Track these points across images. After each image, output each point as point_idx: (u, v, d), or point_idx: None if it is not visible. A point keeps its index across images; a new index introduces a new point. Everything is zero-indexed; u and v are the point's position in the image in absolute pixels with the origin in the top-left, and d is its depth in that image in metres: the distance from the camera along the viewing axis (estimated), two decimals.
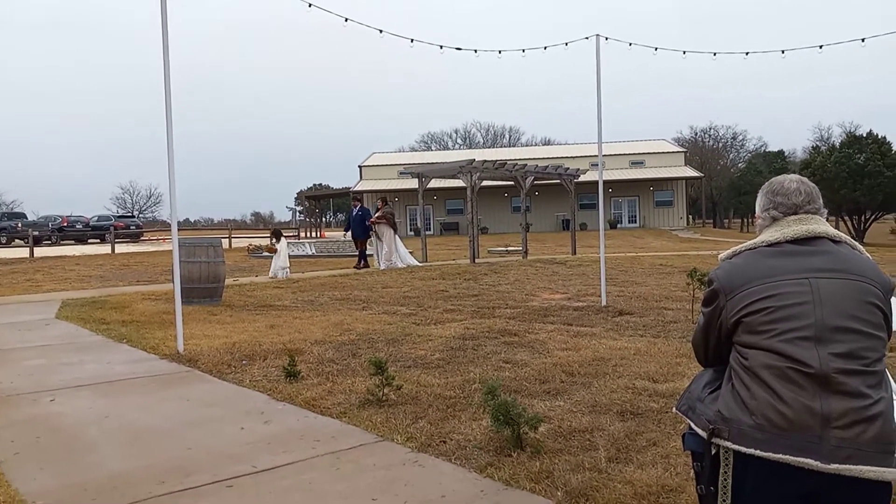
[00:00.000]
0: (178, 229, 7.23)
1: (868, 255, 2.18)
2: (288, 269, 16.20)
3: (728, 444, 1.99)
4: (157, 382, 5.60)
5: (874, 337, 1.96)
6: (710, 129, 77.59)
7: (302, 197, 66.24)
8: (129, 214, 58.91)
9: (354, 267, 17.63)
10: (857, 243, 2.22)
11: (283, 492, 3.29)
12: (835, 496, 1.90)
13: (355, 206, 18.92)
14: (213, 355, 6.39)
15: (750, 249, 2.22)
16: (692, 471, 2.27)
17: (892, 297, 2.10)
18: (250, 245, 30.62)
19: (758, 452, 1.92)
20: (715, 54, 10.69)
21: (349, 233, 19.38)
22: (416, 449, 3.82)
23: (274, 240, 16.83)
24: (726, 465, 2.04)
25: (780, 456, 1.89)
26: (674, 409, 2.34)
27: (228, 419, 4.49)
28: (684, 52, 10.61)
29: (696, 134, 77.42)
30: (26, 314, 9.65)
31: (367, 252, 18.10)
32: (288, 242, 26.78)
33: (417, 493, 3.23)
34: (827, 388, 1.90)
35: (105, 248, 28.61)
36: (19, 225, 38.34)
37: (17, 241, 36.23)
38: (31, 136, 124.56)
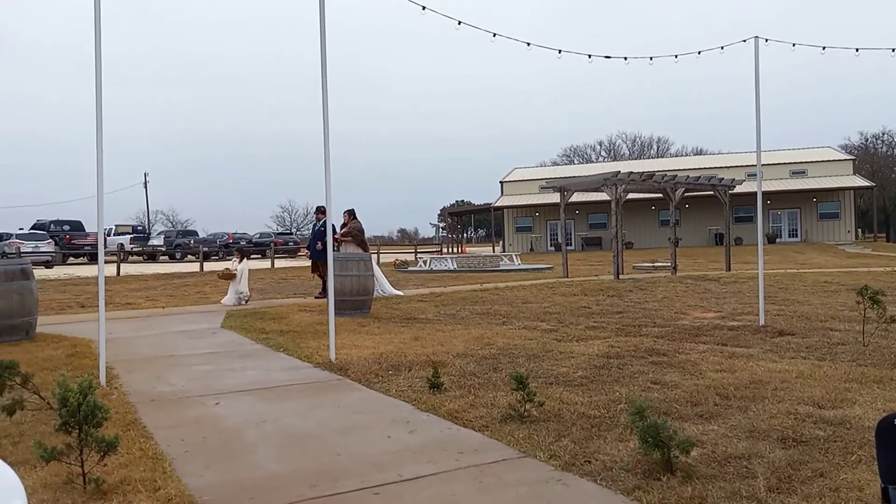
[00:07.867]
0: None
1: None
2: (245, 294, 13.18)
3: None
4: (311, 389, 5.89)
5: None
6: (883, 133, 70.99)
7: (445, 214, 67.71)
8: (288, 232, 62.96)
9: (315, 297, 13.51)
10: None
11: (428, 502, 3.32)
12: None
13: (318, 220, 14.52)
14: (362, 365, 6.64)
15: None
16: None
17: None
18: (396, 260, 31.76)
19: None
20: (894, 50, 9.74)
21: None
22: (559, 467, 3.73)
23: (236, 261, 13.64)
24: None
25: None
26: None
27: (376, 427, 4.63)
28: (857, 50, 9.77)
29: (866, 140, 71.17)
30: (196, 323, 10.51)
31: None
32: (431, 258, 27.60)
33: None
34: None
35: (266, 263, 30.66)
36: (191, 242, 42.00)
37: (189, 256, 39.73)
38: (198, 155, 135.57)
